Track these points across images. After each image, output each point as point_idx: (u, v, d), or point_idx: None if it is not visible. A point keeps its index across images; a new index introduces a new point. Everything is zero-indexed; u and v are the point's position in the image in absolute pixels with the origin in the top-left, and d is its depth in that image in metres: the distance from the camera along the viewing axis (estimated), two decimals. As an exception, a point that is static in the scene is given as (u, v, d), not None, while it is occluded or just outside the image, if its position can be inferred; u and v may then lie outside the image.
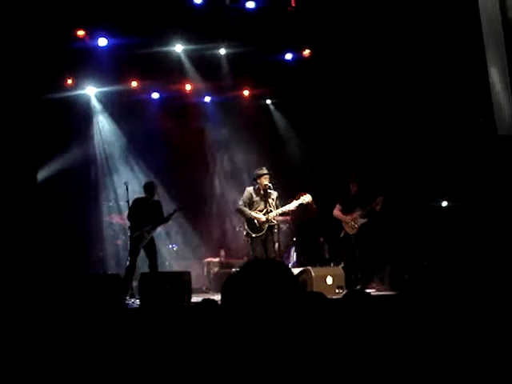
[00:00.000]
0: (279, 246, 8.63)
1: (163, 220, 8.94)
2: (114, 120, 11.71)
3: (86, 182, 10.70)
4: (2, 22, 7.79)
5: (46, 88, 9.56)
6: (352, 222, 9.17)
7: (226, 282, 1.72)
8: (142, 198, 8.99)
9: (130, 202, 8.87)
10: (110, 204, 10.85)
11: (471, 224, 8.66)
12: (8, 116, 7.86)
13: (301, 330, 1.71)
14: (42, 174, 9.64)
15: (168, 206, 9.45)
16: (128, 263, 8.65)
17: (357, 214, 9.14)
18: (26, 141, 8.17)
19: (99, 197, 10.89)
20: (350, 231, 9.21)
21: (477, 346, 2.82)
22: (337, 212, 9.35)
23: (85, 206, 10.44)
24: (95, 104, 11.51)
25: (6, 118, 7.82)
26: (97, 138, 11.52)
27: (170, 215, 8.98)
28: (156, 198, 9.13)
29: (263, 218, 8.10)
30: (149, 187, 9.00)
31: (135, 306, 7.62)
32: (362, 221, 9.11)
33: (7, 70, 7.88)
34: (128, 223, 8.96)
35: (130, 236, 8.77)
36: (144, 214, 8.69)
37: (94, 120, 11.56)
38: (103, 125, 11.67)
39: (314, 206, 8.77)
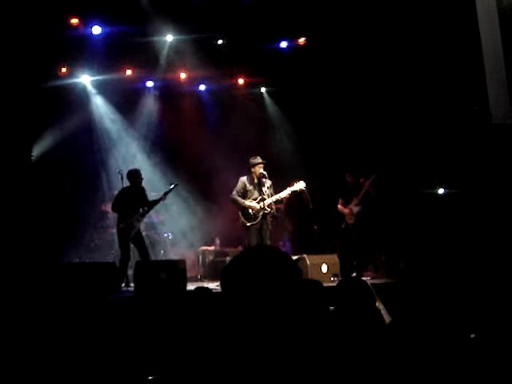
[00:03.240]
0: (271, 233, 8.61)
1: (150, 205, 8.85)
2: (112, 106, 11.72)
3: (83, 168, 10.63)
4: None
5: (41, 77, 9.52)
6: (349, 213, 9.26)
7: (226, 268, 1.73)
8: (126, 188, 8.86)
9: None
10: (107, 192, 10.80)
11: (466, 211, 8.70)
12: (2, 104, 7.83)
13: (300, 316, 1.72)
14: (37, 161, 9.63)
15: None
16: (120, 254, 8.59)
17: (353, 203, 9.23)
18: (20, 128, 8.14)
19: (96, 184, 10.85)
20: (349, 221, 9.32)
21: (472, 333, 2.84)
22: (339, 206, 9.54)
23: (82, 194, 10.40)
24: (91, 90, 11.51)
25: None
26: (94, 123, 11.50)
27: (158, 200, 8.89)
28: (141, 185, 8.92)
29: (257, 207, 8.12)
30: (131, 175, 8.84)
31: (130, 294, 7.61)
32: (356, 209, 9.18)
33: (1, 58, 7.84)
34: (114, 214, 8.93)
35: (117, 227, 8.70)
36: (130, 203, 8.59)
37: (91, 105, 11.54)
38: (101, 110, 11.67)
39: (308, 195, 8.79)
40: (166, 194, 8.84)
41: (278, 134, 12.76)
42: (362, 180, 9.36)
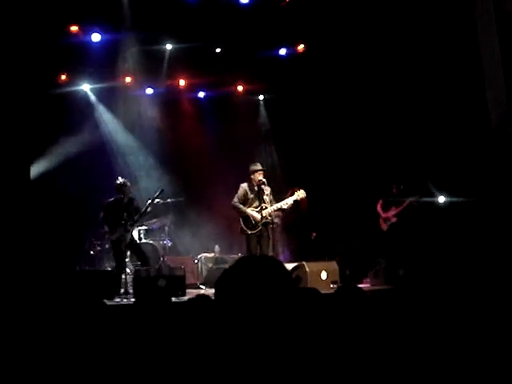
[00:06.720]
0: (274, 241, 8.59)
1: (139, 215, 8.73)
2: (112, 113, 11.76)
3: (85, 176, 10.60)
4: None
5: (41, 85, 9.50)
6: (386, 219, 9.92)
7: (220, 278, 1.72)
8: (114, 200, 8.74)
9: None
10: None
11: (466, 218, 8.69)
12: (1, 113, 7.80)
13: (294, 324, 1.71)
14: (39, 169, 9.63)
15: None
16: (115, 266, 8.54)
17: (391, 213, 9.89)
18: (21, 137, 8.11)
19: (96, 191, 10.80)
20: (382, 226, 10.00)
21: (473, 343, 2.82)
22: (378, 207, 10.08)
23: (83, 201, 10.36)
24: (91, 98, 11.53)
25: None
26: (102, 130, 11.52)
27: (146, 208, 8.77)
28: (131, 196, 8.81)
29: (258, 217, 8.05)
30: (120, 187, 8.70)
31: (129, 302, 7.60)
32: (393, 219, 9.87)
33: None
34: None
35: (110, 239, 8.66)
36: (119, 215, 8.47)
37: (96, 113, 11.56)
38: (105, 117, 11.68)
39: (306, 201, 8.79)
40: (151, 201, 8.76)
41: (276, 140, 12.76)
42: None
